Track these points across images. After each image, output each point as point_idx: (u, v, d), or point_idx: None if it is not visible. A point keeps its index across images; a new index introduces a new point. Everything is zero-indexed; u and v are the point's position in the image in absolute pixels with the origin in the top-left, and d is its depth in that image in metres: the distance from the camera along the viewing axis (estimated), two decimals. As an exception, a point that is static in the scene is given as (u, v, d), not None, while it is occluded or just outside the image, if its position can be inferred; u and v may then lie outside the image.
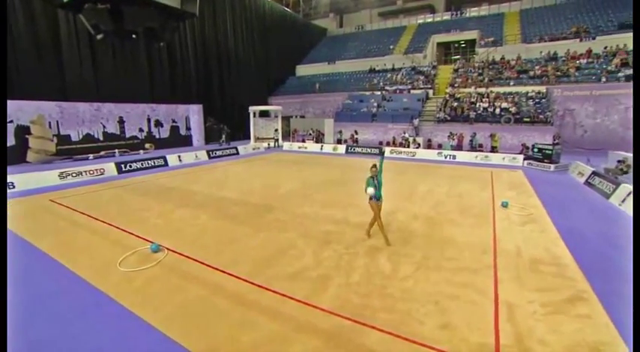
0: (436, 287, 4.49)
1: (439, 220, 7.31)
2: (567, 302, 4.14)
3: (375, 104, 24.45)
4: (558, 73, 19.83)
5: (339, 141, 22.35)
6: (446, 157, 16.86)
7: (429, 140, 20.18)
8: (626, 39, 19.38)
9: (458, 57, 29.28)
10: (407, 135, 19.92)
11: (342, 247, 5.87)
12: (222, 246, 5.94)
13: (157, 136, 20.50)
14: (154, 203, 8.81)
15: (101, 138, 17.64)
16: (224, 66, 26.13)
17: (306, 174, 13.31)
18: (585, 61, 19.98)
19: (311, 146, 21.97)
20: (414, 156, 17.97)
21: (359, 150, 20.07)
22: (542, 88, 19.41)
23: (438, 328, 3.65)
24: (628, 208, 7.74)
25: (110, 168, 13.20)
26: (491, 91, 20.79)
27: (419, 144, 18.92)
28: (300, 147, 22.19)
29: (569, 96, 18.61)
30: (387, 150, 18.99)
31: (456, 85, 23.14)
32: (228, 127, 22.57)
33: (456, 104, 21.29)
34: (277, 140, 23.73)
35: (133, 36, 8.52)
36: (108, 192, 10.14)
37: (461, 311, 3.95)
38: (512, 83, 20.95)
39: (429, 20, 33.02)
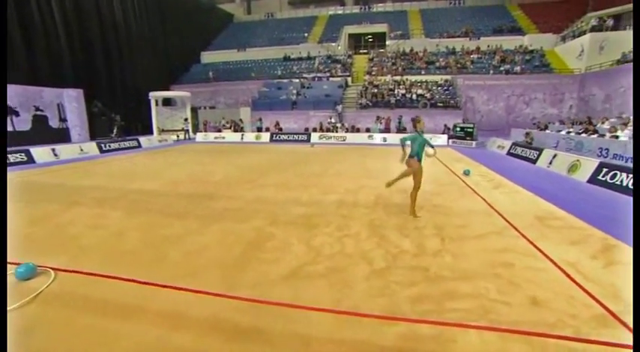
0: (480, 258, 3.58)
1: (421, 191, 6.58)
2: (605, 250, 3.73)
3: (295, 91, 23.41)
4: (459, 65, 22.27)
5: (259, 130, 20.44)
6: (377, 140, 16.91)
7: (352, 127, 20.17)
8: (501, 41, 23.20)
9: (365, 51, 30.49)
10: (333, 120, 19.45)
11: (334, 229, 4.52)
12: (159, 249, 3.87)
13: (10, 128, 14.84)
14: (21, 205, 5.73)
15: None
16: (111, 43, 20.97)
17: (238, 161, 11.36)
18: (476, 56, 22.97)
19: (230, 135, 19.52)
20: (344, 140, 17.58)
21: (284, 137, 18.66)
22: (448, 77, 21.48)
23: (529, 306, 2.69)
24: (556, 169, 8.51)
25: None
26: (407, 79, 22.04)
27: (348, 129, 18.63)
28: (217, 138, 19.47)
29: (469, 85, 21.04)
30: (316, 135, 18.19)
31: (373, 74, 23.84)
32: (121, 119, 17.88)
33: (375, 91, 21.88)
34: (188, 131, 20.35)
35: None
36: None
37: (531, 280, 3.10)
38: (423, 72, 22.63)
39: (340, 12, 33.60)
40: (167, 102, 22.21)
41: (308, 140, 17.94)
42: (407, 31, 27.40)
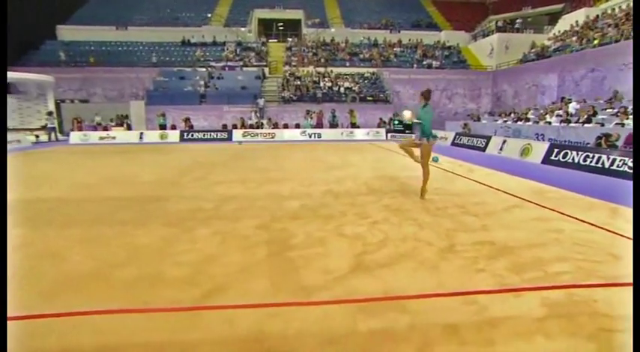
0: (528, 228, 3.96)
1: (402, 178, 6.98)
2: (615, 212, 4.57)
3: (202, 82, 22.06)
4: (382, 58, 24.45)
5: (162, 128, 18.49)
6: (310, 136, 17.18)
7: (277, 123, 20.07)
8: (421, 36, 26.48)
9: (277, 39, 30.81)
10: (258, 116, 19.01)
11: (356, 218, 4.41)
12: (145, 265, 3.12)
13: None
14: None
15: None
16: None
17: (158, 160, 10.15)
18: (399, 49, 25.64)
19: (122, 135, 17.09)
20: (272, 137, 17.32)
21: (199, 136, 17.33)
22: (374, 70, 23.34)
23: (615, 261, 3.08)
24: (509, 154, 10.12)
25: None
26: (331, 71, 23.07)
27: (275, 125, 18.42)
28: (104, 138, 16.78)
29: (395, 79, 23.24)
30: (239, 133, 17.44)
31: (293, 64, 24.20)
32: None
33: (298, 83, 22.25)
34: (54, 130, 16.97)
35: None
36: None
37: (591, 240, 3.57)
38: (347, 64, 24.04)
39: (247, -11, 33.07)
40: (13, 89, 18.15)
41: (229, 138, 17.05)
42: (325, 20, 28.78)
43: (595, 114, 10.28)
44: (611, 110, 11.27)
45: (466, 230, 3.91)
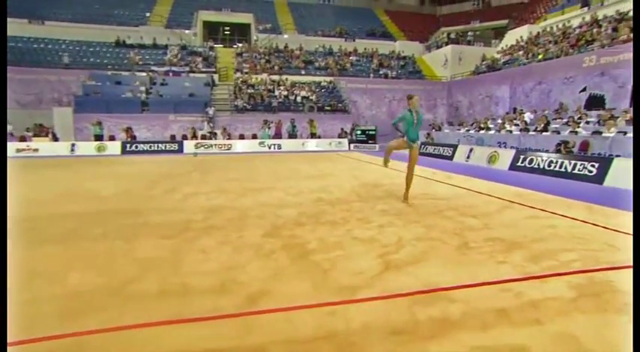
0: (526, 226, 4.49)
1: (385, 185, 7.42)
2: (592, 210, 5.33)
3: (143, 88, 21.26)
4: (339, 67, 25.41)
5: (97, 138, 17.39)
6: (270, 147, 17.28)
7: (230, 134, 19.90)
8: (377, 45, 28.01)
9: (224, 44, 30.76)
10: (209, 126, 18.71)
11: (361, 223, 4.67)
12: (160, 278, 3.11)
13: None
14: None
15: None
16: None
17: (113, 173, 9.61)
18: (355, 58, 26.83)
19: (47, 147, 15.81)
20: (229, 148, 17.14)
21: (144, 147, 16.60)
22: (330, 79, 24.15)
23: (612, 249, 3.64)
24: (477, 161, 11.11)
25: None
26: (286, 79, 23.46)
27: (229, 135, 18.25)
28: (20, 150, 15.38)
29: (352, 88, 24.22)
30: (191, 144, 17.01)
31: (245, 71, 24.24)
32: None
33: (252, 91, 22.31)
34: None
35: None
36: None
37: (586, 233, 4.16)
38: (303, 72, 24.62)
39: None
40: None
41: (180, 150, 16.55)
42: (277, 26, 29.31)
43: (549, 123, 11.69)
44: (560, 120, 12.89)
45: (471, 229, 4.34)
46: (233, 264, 3.33)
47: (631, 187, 6.93)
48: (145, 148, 16.51)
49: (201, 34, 29.69)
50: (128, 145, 16.52)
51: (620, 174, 7.31)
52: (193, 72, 23.93)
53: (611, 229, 4.30)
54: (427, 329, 2.26)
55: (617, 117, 10.44)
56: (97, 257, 3.55)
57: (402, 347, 2.09)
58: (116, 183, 8.01)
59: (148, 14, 28.23)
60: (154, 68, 23.45)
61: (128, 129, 17.47)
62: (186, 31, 27.65)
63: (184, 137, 18.10)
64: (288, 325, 2.32)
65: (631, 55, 13.08)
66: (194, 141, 17.15)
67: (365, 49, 27.69)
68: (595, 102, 14.61)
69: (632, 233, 4.13)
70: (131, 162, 12.78)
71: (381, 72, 25.51)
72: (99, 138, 17.20)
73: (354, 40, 28.63)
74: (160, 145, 16.74)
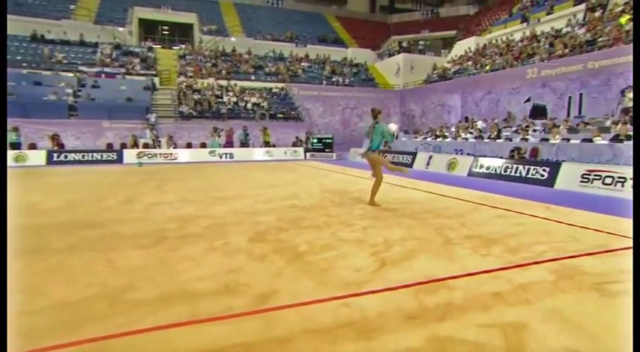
0: (498, 224, 5.09)
1: (353, 192, 7.85)
2: (549, 209, 6.13)
3: (70, 91, 20.14)
4: (290, 73, 25.88)
5: (14, 147, 16.11)
6: (221, 156, 17.16)
7: (175, 143, 19.45)
8: (329, 51, 29.00)
9: (162, 45, 30.03)
10: (152, 133, 18.14)
11: (343, 227, 4.99)
12: (159, 284, 3.20)
13: None
14: None
15: None
16: None
17: (50, 184, 9.08)
18: (306, 64, 27.49)
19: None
20: (175, 158, 16.75)
21: (76, 157, 15.70)
22: (282, 85, 24.51)
23: (575, 241, 4.30)
24: (436, 168, 12.00)
25: None
26: (235, 85, 23.44)
27: (175, 145, 17.84)
28: None
29: (304, 96, 24.75)
30: (132, 153, 16.38)
31: (189, 75, 23.86)
32: None
33: (197, 97, 22.01)
34: None
35: None
36: None
37: (550, 228, 4.83)
38: (252, 78, 24.74)
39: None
40: None
41: (120, 160, 15.86)
42: (223, 28, 29.23)
43: (500, 131, 12.96)
44: (509, 128, 14.32)
45: (450, 228, 4.83)
46: (229, 268, 3.47)
47: (577, 189, 8.01)
48: (77, 158, 15.61)
49: (137, 33, 28.76)
50: (55, 155, 15.51)
51: (567, 177, 8.39)
52: (130, 74, 23.11)
53: (570, 224, 5.03)
54: (436, 313, 2.61)
55: (559, 125, 11.88)
56: (74, 269, 3.51)
57: (419, 328, 2.41)
58: (58, 195, 7.64)
59: (72, 7, 26.78)
60: (82, 68, 22.31)
61: (54, 137, 16.42)
62: (120, 29, 26.69)
63: (123, 146, 17.37)
64: (306, 318, 2.54)
65: (565, 68, 14.97)
66: (136, 150, 16.52)
67: (317, 55, 28.51)
68: (538, 111, 16.41)
69: (597, 228, 4.89)
70: (65, 173, 12.08)
71: (333, 79, 26.36)
72: (16, 146, 15.94)
73: (305, 46, 29.35)
74: (95, 155, 15.92)
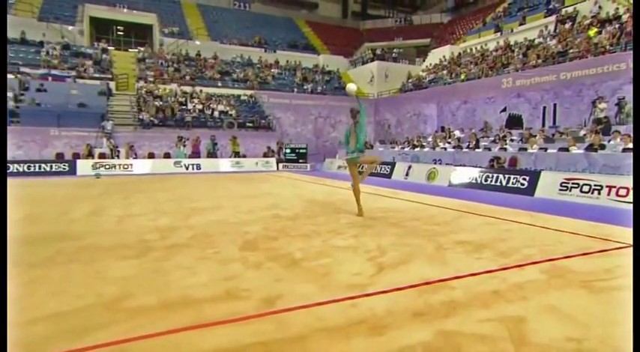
0: (485, 231, 5.49)
1: (335, 201, 8.15)
2: (531, 216, 6.64)
3: (10, 94, 19.47)
4: (259, 80, 26.11)
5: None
6: (188, 168, 17.07)
7: (136, 153, 19.16)
8: (299, 57, 29.52)
9: (117, 47, 29.58)
10: (109, 143, 17.80)
11: (333, 235, 5.25)
12: (157, 293, 3.33)
13: None
14: None
15: None
16: None
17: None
18: (277, 71, 27.83)
19: None
20: (131, 170, 16.51)
21: (22, 168, 15.17)
22: (251, 92, 24.68)
23: (560, 244, 4.74)
24: (416, 179, 12.51)
25: None
26: (201, 91, 23.41)
27: (136, 155, 17.58)
28: None
29: (275, 104, 25.02)
30: (87, 164, 16.00)
31: (149, 80, 23.63)
32: None
33: (159, 103, 21.81)
34: None
35: None
36: None
37: (537, 233, 5.28)
38: (219, 84, 24.78)
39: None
40: None
41: (73, 171, 15.46)
42: (186, 30, 29.18)
43: (478, 141, 13.71)
44: (487, 138, 15.15)
45: (440, 235, 5.18)
46: (226, 275, 3.63)
47: (557, 197, 8.65)
48: (21, 169, 15.04)
49: (88, 33, 28.19)
50: (-1, 166, 14.90)
51: (547, 185, 9.05)
52: (82, 77, 22.63)
53: (555, 229, 5.51)
54: (441, 310, 2.89)
55: (535, 135, 12.73)
56: (59, 281, 3.55)
57: (427, 324, 2.68)
58: (13, 207, 7.44)
59: (11, 1, 25.98)
60: (24, 70, 21.64)
61: (-1, 146, 15.78)
62: (69, 27, 26.15)
63: (76, 156, 16.93)
64: (318, 318, 2.76)
65: (539, 79, 16.06)
66: (91, 161, 16.15)
67: (287, 61, 28.94)
68: (514, 121, 17.43)
69: (579, 232, 5.38)
70: (12, 186, 11.68)
71: (305, 87, 26.80)
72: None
73: (274, 51, 29.74)
74: (43, 166, 15.41)
